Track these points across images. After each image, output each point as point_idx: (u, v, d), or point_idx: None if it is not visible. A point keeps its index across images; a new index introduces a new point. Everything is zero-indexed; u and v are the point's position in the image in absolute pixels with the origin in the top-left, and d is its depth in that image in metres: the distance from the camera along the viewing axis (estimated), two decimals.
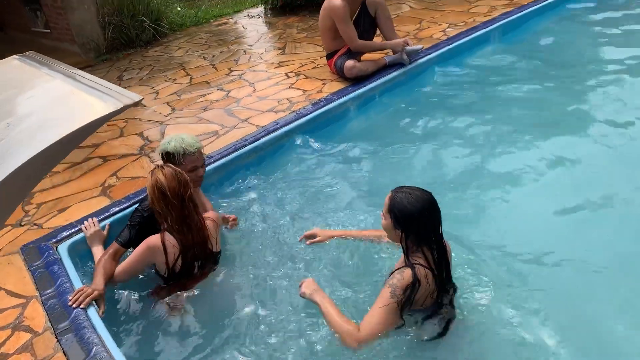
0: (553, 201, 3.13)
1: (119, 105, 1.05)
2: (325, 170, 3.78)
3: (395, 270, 2.15)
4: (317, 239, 2.90)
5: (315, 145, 4.07)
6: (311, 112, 4.29)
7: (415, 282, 2.06)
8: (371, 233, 2.82)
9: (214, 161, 3.76)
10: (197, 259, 2.72)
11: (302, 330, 2.43)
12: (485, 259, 2.70)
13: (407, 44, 4.71)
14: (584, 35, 5.51)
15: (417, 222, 2.11)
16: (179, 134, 2.96)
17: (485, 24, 5.66)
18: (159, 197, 2.57)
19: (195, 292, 2.69)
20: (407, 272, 2.09)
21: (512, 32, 5.69)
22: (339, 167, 3.80)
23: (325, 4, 4.77)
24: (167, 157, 2.89)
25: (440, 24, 6.01)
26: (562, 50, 5.25)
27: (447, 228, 2.25)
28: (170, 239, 2.64)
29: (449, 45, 5.25)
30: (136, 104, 1.06)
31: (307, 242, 2.91)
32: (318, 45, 6.06)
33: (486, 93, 4.60)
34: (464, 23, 5.88)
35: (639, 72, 4.53)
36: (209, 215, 2.85)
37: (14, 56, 1.42)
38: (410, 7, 7.00)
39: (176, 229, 2.63)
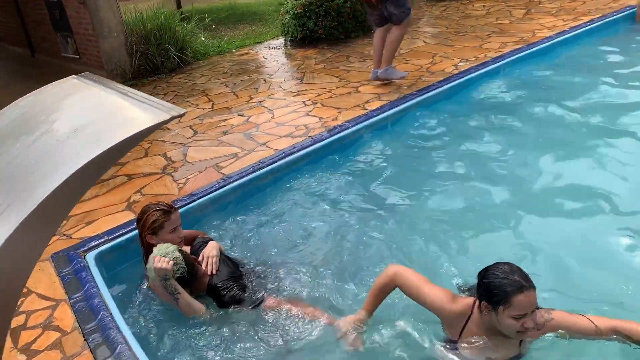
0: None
1: (167, 117, 1.27)
2: (339, 194, 3.96)
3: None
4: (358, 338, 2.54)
5: (330, 170, 4.29)
6: (327, 138, 4.51)
7: None
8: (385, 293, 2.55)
9: (233, 181, 3.99)
10: None
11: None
12: None
13: None
14: (591, 75, 5.68)
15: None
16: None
17: (495, 60, 5.90)
18: None
19: None
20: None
21: (521, 67, 5.91)
22: (351, 191, 4.00)
23: None
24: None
25: (452, 59, 6.26)
26: (567, 88, 5.38)
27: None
28: None
29: (460, 78, 5.49)
30: (181, 116, 1.28)
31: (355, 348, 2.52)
32: (335, 76, 6.35)
33: (493, 123, 4.82)
34: (475, 58, 6.13)
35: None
36: None
37: (73, 76, 1.67)
38: (424, 42, 7.29)
39: None
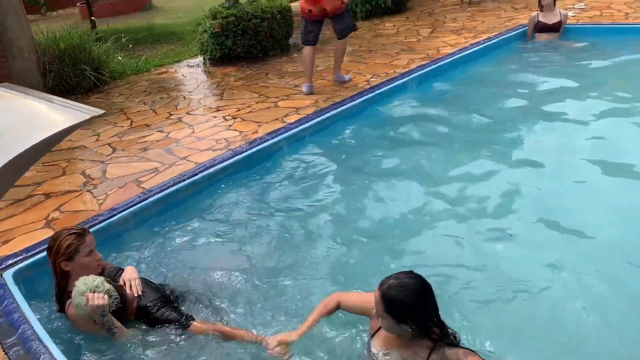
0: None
1: (87, 116, 1.41)
2: (262, 206, 4.08)
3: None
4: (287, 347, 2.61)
5: (252, 181, 4.44)
6: (247, 150, 4.67)
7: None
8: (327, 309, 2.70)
9: (154, 194, 4.05)
10: None
11: None
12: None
13: None
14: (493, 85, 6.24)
15: (421, 311, 2.09)
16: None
17: (403, 75, 6.33)
18: None
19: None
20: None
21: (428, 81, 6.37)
22: (275, 202, 4.14)
23: None
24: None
25: (364, 75, 6.64)
26: (468, 99, 5.89)
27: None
28: None
29: (371, 92, 5.85)
30: (101, 116, 1.42)
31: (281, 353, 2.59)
32: (254, 92, 6.54)
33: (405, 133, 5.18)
34: (385, 74, 6.53)
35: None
36: None
37: None
38: None
39: None
